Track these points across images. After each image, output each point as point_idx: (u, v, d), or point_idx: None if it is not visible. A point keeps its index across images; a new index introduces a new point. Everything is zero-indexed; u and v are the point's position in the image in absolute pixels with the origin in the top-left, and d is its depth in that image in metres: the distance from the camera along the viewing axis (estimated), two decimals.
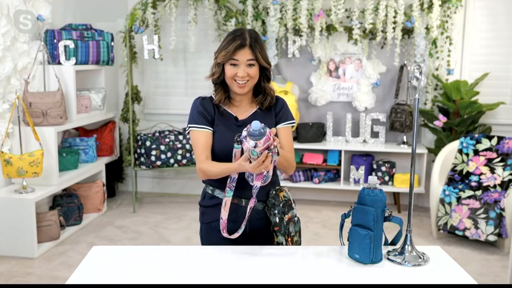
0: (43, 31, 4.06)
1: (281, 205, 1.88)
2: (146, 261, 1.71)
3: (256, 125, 1.57)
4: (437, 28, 4.43)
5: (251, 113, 1.96)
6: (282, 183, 4.10)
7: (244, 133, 1.63)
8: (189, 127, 1.93)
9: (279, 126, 1.97)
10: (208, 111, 1.93)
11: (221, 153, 1.89)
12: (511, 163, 3.91)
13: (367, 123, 4.72)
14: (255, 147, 1.59)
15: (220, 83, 1.94)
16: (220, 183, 1.90)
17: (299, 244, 1.92)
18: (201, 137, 1.90)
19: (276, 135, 1.73)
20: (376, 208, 1.67)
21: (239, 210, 1.92)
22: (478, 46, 4.62)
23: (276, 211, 1.88)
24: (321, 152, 4.86)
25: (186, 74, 5.13)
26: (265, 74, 1.94)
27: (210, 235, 1.98)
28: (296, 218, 1.90)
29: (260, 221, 1.94)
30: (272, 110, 1.99)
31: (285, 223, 1.87)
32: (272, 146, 1.62)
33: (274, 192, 1.91)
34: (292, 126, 2.02)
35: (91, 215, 4.38)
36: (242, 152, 1.71)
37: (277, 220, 1.88)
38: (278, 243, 1.90)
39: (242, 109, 1.97)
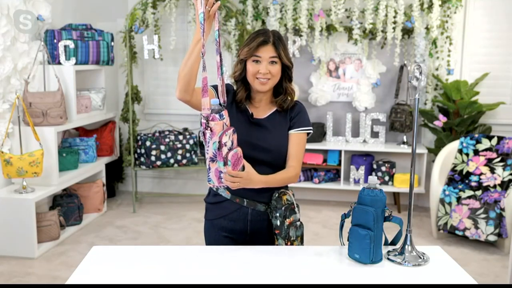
0: (43, 31, 4.06)
1: (283, 208, 1.88)
2: (146, 261, 1.71)
3: (215, 101, 1.66)
4: (437, 28, 4.43)
5: (269, 114, 1.96)
6: None
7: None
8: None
9: (291, 131, 1.94)
10: (227, 95, 1.89)
11: None
12: (511, 163, 3.91)
13: (367, 123, 4.72)
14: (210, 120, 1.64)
15: (242, 80, 1.94)
16: None
17: None
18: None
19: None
20: (376, 208, 1.67)
21: (240, 210, 1.92)
22: (478, 46, 4.62)
23: (277, 214, 1.88)
24: (321, 152, 4.86)
25: None
26: (287, 74, 1.95)
27: (212, 232, 1.99)
28: (298, 223, 1.90)
29: (261, 222, 1.94)
30: (288, 114, 1.96)
31: (285, 227, 1.87)
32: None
33: (277, 195, 1.91)
34: (308, 134, 1.97)
35: (91, 215, 4.38)
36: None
37: (278, 223, 1.88)
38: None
39: (261, 109, 1.96)
